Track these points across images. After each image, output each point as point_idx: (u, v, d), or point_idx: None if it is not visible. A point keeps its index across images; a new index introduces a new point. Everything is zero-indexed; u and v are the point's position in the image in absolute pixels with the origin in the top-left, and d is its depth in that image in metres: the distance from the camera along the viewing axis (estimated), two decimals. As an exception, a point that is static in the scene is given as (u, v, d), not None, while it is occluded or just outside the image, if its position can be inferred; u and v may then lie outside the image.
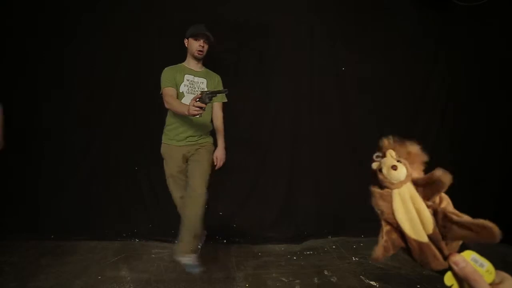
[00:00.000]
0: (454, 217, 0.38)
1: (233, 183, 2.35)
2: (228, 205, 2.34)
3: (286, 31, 2.27)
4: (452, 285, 0.37)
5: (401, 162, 0.42)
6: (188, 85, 1.83)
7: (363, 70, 2.38)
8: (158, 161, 1.87)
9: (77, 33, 2.10)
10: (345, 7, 2.32)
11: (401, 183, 0.42)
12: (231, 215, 2.33)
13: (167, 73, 1.79)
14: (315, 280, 1.78)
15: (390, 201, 0.42)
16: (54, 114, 2.14)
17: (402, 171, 0.42)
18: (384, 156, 0.44)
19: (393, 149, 0.44)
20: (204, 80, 1.89)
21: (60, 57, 2.10)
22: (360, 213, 2.40)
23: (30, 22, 2.06)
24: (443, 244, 0.38)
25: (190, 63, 1.87)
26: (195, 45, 1.79)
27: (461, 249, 0.38)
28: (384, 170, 0.43)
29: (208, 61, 2.22)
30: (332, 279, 1.79)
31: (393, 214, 0.41)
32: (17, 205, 2.15)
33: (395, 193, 0.42)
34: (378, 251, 0.42)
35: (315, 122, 2.37)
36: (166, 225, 2.22)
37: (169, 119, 1.83)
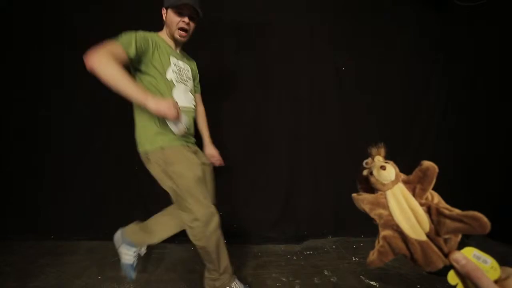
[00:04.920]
0: (446, 211, 0.39)
1: (233, 183, 2.35)
2: (228, 205, 2.34)
3: (286, 31, 2.26)
4: (456, 284, 0.37)
5: (389, 163, 0.44)
6: (177, 72, 1.37)
7: (363, 70, 2.38)
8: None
9: (77, 33, 2.10)
10: (345, 7, 2.32)
11: (392, 183, 0.43)
12: (231, 215, 2.33)
13: (141, 36, 1.23)
14: (315, 280, 1.78)
15: (385, 204, 0.43)
16: (54, 114, 2.14)
17: (391, 171, 0.43)
18: (372, 161, 0.46)
19: (380, 155, 0.46)
20: (189, 69, 1.48)
21: (60, 57, 2.10)
22: (360, 213, 2.39)
23: (30, 22, 2.06)
24: (441, 241, 0.39)
25: (170, 42, 1.40)
26: (176, 21, 1.32)
27: (461, 246, 0.39)
28: (375, 172, 0.44)
29: (206, 61, 2.21)
30: (332, 279, 1.79)
31: (391, 215, 0.42)
32: (17, 205, 2.15)
33: (389, 194, 0.43)
34: (373, 256, 0.43)
35: (315, 122, 2.37)
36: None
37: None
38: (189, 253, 2.06)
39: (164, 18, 1.38)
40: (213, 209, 1.37)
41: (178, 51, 1.47)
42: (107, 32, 2.15)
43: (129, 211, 2.29)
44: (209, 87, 2.24)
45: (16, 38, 2.05)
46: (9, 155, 2.12)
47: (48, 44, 2.07)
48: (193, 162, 1.37)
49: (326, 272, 1.86)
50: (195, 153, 1.47)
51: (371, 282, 1.77)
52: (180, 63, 1.42)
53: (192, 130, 1.50)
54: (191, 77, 1.50)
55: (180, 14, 1.33)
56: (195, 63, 1.62)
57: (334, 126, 2.40)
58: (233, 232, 2.29)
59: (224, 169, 2.32)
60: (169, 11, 1.34)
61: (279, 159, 2.36)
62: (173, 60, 1.37)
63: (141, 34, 1.26)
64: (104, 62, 1.08)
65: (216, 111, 2.27)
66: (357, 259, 2.03)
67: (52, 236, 2.16)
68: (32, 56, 2.06)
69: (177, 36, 1.38)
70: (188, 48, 1.61)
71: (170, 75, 1.34)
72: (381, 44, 2.38)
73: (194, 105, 1.51)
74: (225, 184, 2.34)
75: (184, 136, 1.41)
